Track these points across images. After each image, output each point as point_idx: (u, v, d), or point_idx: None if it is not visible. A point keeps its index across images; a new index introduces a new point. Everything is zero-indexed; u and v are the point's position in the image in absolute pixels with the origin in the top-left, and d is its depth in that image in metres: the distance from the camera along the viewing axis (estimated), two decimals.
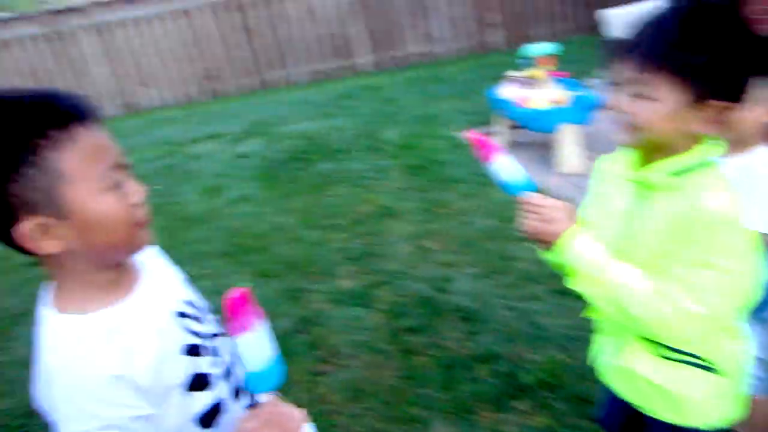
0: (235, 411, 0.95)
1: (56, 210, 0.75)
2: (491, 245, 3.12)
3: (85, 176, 0.77)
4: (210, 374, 0.91)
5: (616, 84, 1.05)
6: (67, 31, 9.27)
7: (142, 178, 0.85)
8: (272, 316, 2.54)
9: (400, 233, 3.44)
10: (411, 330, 2.49)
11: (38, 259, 0.80)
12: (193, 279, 3.27)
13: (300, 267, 3.20)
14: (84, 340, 0.78)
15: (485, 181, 4.03)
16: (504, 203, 3.61)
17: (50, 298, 0.83)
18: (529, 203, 1.11)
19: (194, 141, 6.63)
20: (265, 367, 0.88)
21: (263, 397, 0.90)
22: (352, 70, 9.93)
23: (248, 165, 5.33)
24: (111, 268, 0.84)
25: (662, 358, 1.08)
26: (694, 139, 1.01)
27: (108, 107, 9.60)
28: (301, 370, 2.32)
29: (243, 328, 0.85)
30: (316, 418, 1.81)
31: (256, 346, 0.87)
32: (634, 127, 1.02)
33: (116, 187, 0.80)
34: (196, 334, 0.92)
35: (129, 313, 0.83)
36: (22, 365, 2.33)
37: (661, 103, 0.97)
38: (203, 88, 9.87)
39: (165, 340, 0.85)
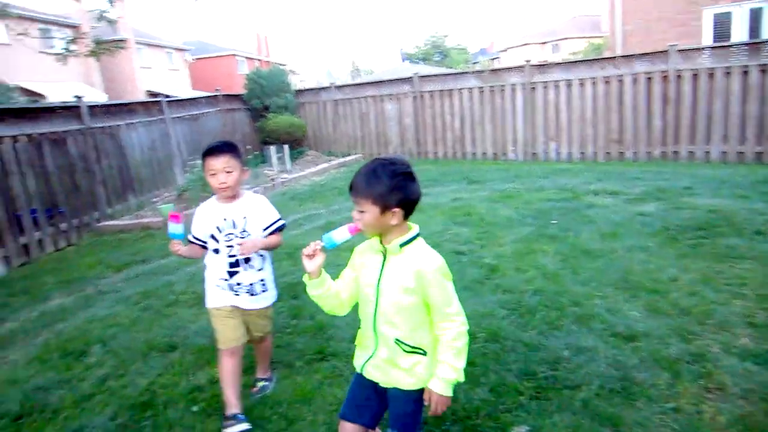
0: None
1: None
2: None
3: None
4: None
5: None
6: (500, 86, 11.36)
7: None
8: (659, 343, 2.87)
9: None
10: None
11: None
12: (587, 297, 4.02)
13: (695, 315, 3.39)
14: None
15: None
16: None
17: None
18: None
19: (595, 193, 7.25)
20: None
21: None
22: None
23: (647, 222, 5.60)
24: None
25: (407, 353, 1.86)
26: None
27: (520, 153, 11.25)
28: (688, 393, 2.60)
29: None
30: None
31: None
32: None
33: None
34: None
35: None
36: None
37: None
38: (607, 149, 10.44)
39: None
